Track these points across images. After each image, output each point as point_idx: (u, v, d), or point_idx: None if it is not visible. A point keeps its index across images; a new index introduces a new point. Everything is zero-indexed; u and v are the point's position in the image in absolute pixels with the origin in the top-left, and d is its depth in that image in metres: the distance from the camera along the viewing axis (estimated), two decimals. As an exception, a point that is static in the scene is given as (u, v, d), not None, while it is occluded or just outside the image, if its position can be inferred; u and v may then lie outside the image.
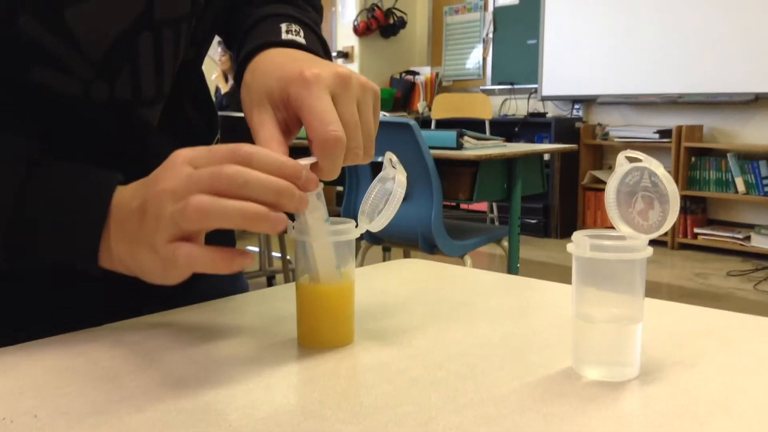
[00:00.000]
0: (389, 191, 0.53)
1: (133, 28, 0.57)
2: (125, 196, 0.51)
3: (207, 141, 0.74)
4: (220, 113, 2.79)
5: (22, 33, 0.53)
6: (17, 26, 0.53)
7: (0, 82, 0.56)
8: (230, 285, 0.75)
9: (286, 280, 3.64)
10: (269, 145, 0.52)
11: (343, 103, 0.52)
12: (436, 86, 6.55)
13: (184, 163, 0.48)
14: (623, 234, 0.49)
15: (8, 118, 0.57)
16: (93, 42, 0.56)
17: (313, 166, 0.50)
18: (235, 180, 0.46)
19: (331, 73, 0.53)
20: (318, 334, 0.53)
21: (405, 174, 0.53)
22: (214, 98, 5.29)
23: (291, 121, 0.55)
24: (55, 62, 0.55)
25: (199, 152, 0.49)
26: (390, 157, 0.54)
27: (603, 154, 5.64)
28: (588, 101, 5.60)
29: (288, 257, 3.58)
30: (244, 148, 0.48)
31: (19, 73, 0.55)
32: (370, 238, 2.78)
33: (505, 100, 6.15)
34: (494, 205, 5.24)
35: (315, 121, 0.50)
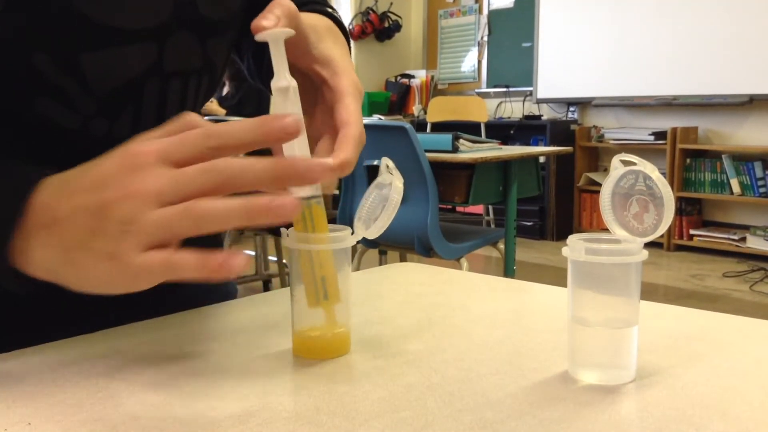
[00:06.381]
0: (386, 197, 0.53)
1: (143, 76, 0.58)
2: (52, 193, 0.46)
3: None
4: (213, 118, 2.76)
5: (34, 68, 0.54)
6: (30, 62, 0.54)
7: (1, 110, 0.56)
8: (217, 288, 0.75)
9: (283, 284, 3.64)
10: None
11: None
12: (432, 89, 6.56)
13: (158, 161, 0.44)
14: (618, 237, 0.49)
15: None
16: (102, 84, 0.57)
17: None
18: (226, 172, 0.43)
19: (360, 88, 0.57)
20: (314, 348, 0.53)
21: (402, 180, 0.53)
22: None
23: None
24: (60, 96, 0.56)
25: (166, 144, 0.44)
26: (387, 162, 0.54)
27: (598, 156, 5.65)
28: (583, 103, 5.61)
29: (284, 261, 3.57)
30: (214, 127, 0.44)
31: (22, 103, 0.56)
32: (366, 241, 2.78)
33: (501, 102, 6.16)
34: (490, 207, 5.24)
35: (352, 120, 0.53)
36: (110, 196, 0.43)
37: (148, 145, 0.44)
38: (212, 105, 4.53)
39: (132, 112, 0.60)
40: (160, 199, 0.43)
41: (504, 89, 6.09)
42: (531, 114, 5.84)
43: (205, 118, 3.07)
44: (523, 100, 5.93)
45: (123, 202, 0.43)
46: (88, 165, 0.46)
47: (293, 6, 0.51)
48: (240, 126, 0.44)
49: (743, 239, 4.66)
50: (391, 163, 0.53)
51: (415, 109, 6.44)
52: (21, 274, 0.46)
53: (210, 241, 0.74)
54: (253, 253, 3.77)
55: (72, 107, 0.57)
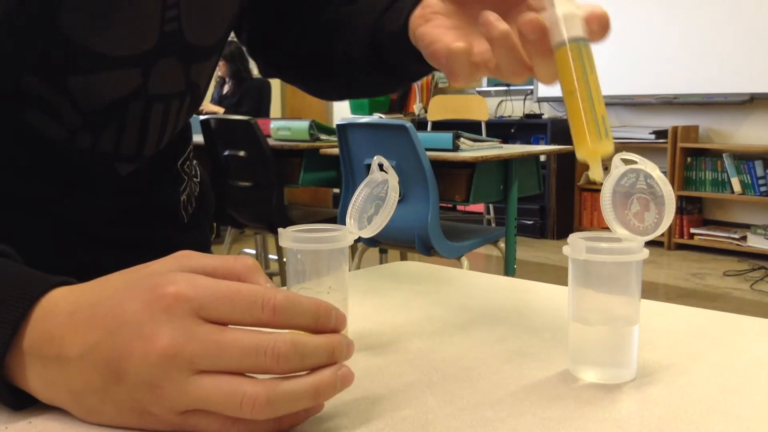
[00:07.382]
0: (376, 195, 0.53)
1: (127, 98, 0.60)
2: (57, 323, 0.39)
3: (181, 151, 0.74)
4: (212, 116, 2.77)
5: (23, 86, 0.55)
6: (19, 82, 0.55)
7: None
8: None
9: (283, 283, 3.63)
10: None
11: None
12: (432, 88, 6.55)
13: (191, 312, 0.37)
14: (619, 236, 0.49)
15: None
16: (88, 103, 0.58)
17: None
18: (281, 366, 0.37)
19: None
20: None
21: (396, 178, 0.53)
22: (213, 92, 5.21)
23: None
24: (48, 109, 0.57)
25: (208, 295, 0.38)
26: (380, 161, 0.54)
27: (599, 155, 5.65)
28: (584, 102, 5.60)
29: (284, 259, 3.57)
30: (271, 299, 0.38)
31: (12, 114, 0.57)
32: (367, 240, 2.78)
33: (501, 101, 6.15)
34: (491, 206, 5.24)
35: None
36: (125, 342, 0.37)
37: (182, 286, 0.38)
38: (210, 106, 4.52)
39: (116, 128, 0.61)
40: (192, 366, 0.36)
41: (504, 88, 6.09)
42: (532, 113, 5.84)
43: (203, 117, 3.01)
44: (524, 99, 5.93)
45: (142, 361, 0.36)
46: (104, 288, 0.40)
47: None
48: (301, 309, 0.39)
49: (744, 238, 4.66)
50: (385, 162, 0.54)
51: (416, 107, 6.43)
52: (17, 392, 0.41)
53: (197, 238, 0.75)
54: (253, 251, 3.77)
55: (59, 120, 0.58)
